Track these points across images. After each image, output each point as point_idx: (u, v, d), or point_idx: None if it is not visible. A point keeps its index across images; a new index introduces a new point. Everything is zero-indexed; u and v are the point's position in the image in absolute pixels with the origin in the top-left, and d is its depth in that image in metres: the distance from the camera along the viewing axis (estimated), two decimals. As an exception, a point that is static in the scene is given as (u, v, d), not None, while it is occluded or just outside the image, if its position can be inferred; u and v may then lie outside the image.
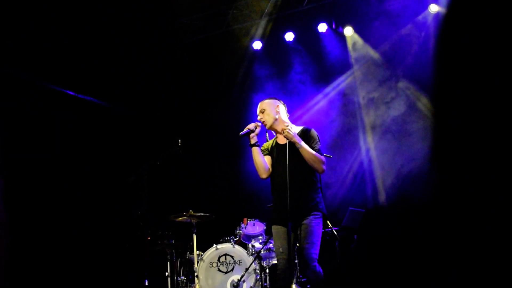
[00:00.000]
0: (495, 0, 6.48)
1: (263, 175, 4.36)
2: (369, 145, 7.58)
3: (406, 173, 7.11)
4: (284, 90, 7.89)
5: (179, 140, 5.60)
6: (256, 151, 4.32)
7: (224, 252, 5.98)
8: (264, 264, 5.94)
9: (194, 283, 5.88)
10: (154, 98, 8.25)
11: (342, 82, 7.86)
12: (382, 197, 7.35)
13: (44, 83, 7.16)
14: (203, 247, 6.04)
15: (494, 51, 6.45)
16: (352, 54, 7.78)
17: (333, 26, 7.83)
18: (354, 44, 7.77)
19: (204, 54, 8.27)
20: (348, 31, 7.74)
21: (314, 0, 7.62)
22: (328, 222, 4.55)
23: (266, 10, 7.75)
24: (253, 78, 8.28)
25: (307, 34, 7.93)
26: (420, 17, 7.26)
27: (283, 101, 4.53)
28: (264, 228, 6.30)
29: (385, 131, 7.43)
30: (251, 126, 4.35)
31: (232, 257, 5.97)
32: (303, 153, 4.17)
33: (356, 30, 7.72)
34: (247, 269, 5.72)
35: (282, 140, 4.34)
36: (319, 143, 4.31)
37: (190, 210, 5.73)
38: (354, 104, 7.74)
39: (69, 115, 7.33)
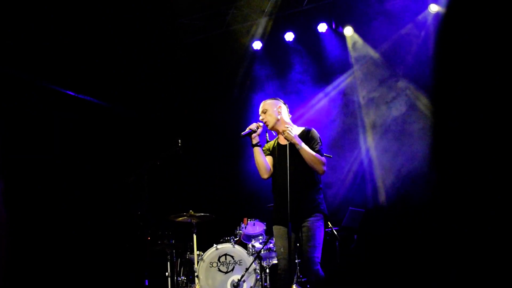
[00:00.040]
0: (494, 0, 6.48)
1: (265, 175, 4.36)
2: (369, 145, 7.58)
3: (406, 173, 7.10)
4: (284, 90, 7.88)
5: (179, 140, 5.61)
6: (257, 151, 4.33)
7: (224, 252, 5.98)
8: (264, 264, 5.94)
9: (194, 283, 5.88)
10: (154, 98, 8.25)
11: (342, 82, 7.86)
12: (382, 197, 7.35)
13: (44, 83, 7.16)
14: (203, 247, 6.04)
15: (494, 50, 6.45)
16: (352, 54, 7.78)
17: (333, 26, 7.83)
18: (354, 44, 7.77)
19: (204, 54, 8.27)
20: (348, 31, 7.74)
21: (314, 0, 7.61)
22: (328, 222, 4.55)
23: (266, 10, 7.74)
24: (253, 78, 8.28)
25: (307, 34, 7.93)
26: (420, 17, 7.25)
27: (284, 102, 4.53)
28: (264, 228, 6.30)
29: (385, 131, 7.42)
30: (253, 126, 4.35)
31: (232, 257, 5.97)
32: (303, 154, 4.17)
33: (356, 30, 7.71)
34: (247, 269, 5.72)
35: (283, 141, 4.35)
36: (320, 144, 4.31)
37: (190, 210, 5.73)
38: (354, 104, 7.74)
39: (69, 115, 7.33)
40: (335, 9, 7.69)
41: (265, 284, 5.86)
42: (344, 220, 6.51)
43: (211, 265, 5.93)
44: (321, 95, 7.92)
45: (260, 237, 6.27)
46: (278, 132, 4.42)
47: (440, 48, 7.00)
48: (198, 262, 5.90)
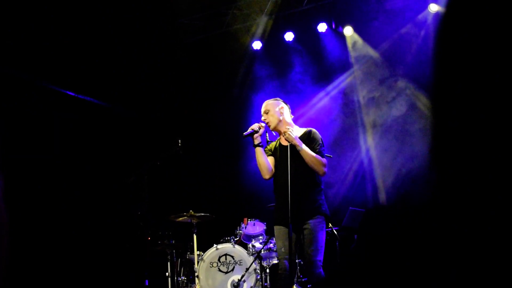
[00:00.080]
0: (494, 0, 6.48)
1: (266, 175, 4.36)
2: (369, 145, 7.58)
3: (406, 173, 7.10)
4: (284, 90, 7.88)
5: (179, 140, 5.60)
6: (259, 152, 4.33)
7: (225, 252, 5.98)
8: (264, 264, 5.94)
9: (194, 283, 5.88)
10: (154, 98, 8.25)
11: (342, 81, 7.86)
12: (382, 196, 7.35)
13: (44, 83, 7.16)
14: (203, 247, 6.04)
15: (494, 50, 6.45)
16: (352, 54, 7.78)
17: (333, 26, 7.83)
18: (354, 43, 7.76)
19: (204, 54, 8.26)
20: (348, 30, 7.74)
21: (314, 0, 7.61)
22: (329, 222, 4.55)
23: (266, 10, 7.74)
24: (253, 78, 8.28)
25: (307, 34, 7.93)
26: (420, 17, 7.25)
27: (286, 102, 4.53)
28: (265, 228, 6.30)
29: (385, 130, 7.42)
30: (255, 126, 4.34)
31: (232, 257, 5.97)
32: (304, 156, 4.17)
33: (356, 30, 7.71)
34: (247, 269, 5.71)
35: (285, 142, 4.34)
36: (321, 145, 4.30)
37: (191, 210, 5.73)
38: (354, 103, 7.74)
39: (69, 115, 7.33)
40: (335, 9, 7.68)
41: (265, 284, 5.86)
42: (344, 220, 6.50)
43: (211, 265, 5.93)
44: (321, 95, 7.92)
45: (260, 237, 6.27)
46: (280, 133, 4.41)
47: (440, 47, 7.00)
48: (198, 262, 5.89)
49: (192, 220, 5.76)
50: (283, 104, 4.45)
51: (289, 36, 7.91)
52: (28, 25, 6.47)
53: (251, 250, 6.06)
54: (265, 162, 4.33)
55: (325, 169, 4.22)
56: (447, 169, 6.69)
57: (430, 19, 7.17)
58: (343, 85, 7.84)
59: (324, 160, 4.23)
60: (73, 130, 7.34)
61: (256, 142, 4.34)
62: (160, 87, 8.25)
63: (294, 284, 4.18)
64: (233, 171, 8.00)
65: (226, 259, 5.96)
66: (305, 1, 7.61)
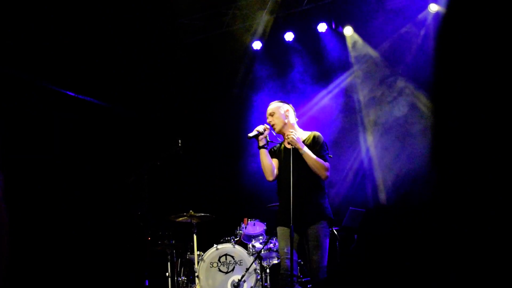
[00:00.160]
0: (494, 0, 6.48)
1: (270, 177, 4.35)
2: (369, 144, 7.58)
3: (406, 173, 7.10)
4: (284, 90, 7.88)
5: (179, 140, 5.61)
6: (264, 154, 4.31)
7: (225, 252, 5.98)
8: (264, 264, 5.94)
9: (194, 283, 5.88)
10: (154, 98, 8.25)
11: (342, 81, 7.85)
12: (382, 196, 7.34)
13: (44, 83, 7.16)
14: (203, 247, 6.04)
15: (494, 50, 6.44)
16: (352, 54, 7.77)
17: (333, 26, 7.82)
18: (354, 43, 7.76)
19: (204, 54, 8.26)
20: (348, 30, 7.74)
21: (314, 0, 7.61)
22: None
23: (266, 10, 7.74)
24: (253, 78, 8.27)
25: (307, 34, 7.92)
26: (419, 16, 7.25)
27: (290, 103, 4.52)
28: (265, 228, 6.30)
29: (385, 130, 7.42)
30: (260, 128, 4.32)
31: (232, 257, 5.97)
32: (306, 159, 4.16)
33: (356, 30, 7.71)
34: (247, 269, 5.71)
35: (288, 145, 4.32)
36: (325, 149, 4.29)
37: (191, 210, 5.73)
38: (355, 103, 7.73)
39: (69, 115, 7.33)
40: (335, 9, 7.67)
41: (266, 284, 5.86)
42: (344, 220, 6.50)
43: (211, 265, 5.93)
44: (321, 94, 7.91)
45: (261, 237, 6.27)
46: (284, 136, 4.40)
47: (440, 47, 7.00)
48: (198, 262, 5.89)
49: (192, 220, 5.76)
50: (288, 107, 4.44)
51: (289, 36, 7.90)
52: (28, 25, 6.47)
53: (251, 250, 6.06)
54: (270, 164, 4.32)
55: (327, 173, 4.20)
56: (447, 169, 6.69)
57: (430, 19, 7.17)
58: (343, 85, 7.84)
59: (326, 164, 4.21)
60: (73, 130, 7.35)
61: (261, 143, 4.32)
62: (160, 87, 8.25)
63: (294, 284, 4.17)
64: (233, 171, 7.99)
65: (226, 259, 5.96)
66: (305, 1, 7.61)
